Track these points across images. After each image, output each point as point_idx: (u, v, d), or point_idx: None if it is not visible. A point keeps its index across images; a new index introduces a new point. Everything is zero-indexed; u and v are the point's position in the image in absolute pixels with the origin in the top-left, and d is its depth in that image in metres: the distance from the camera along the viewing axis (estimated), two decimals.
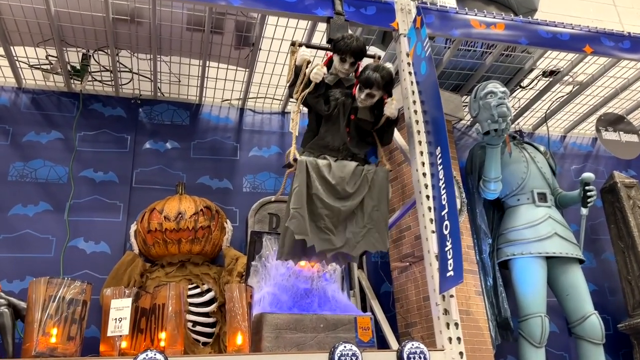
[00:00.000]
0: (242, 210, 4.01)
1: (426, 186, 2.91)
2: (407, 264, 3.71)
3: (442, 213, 2.61)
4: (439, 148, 2.73)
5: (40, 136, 3.91)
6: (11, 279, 3.40)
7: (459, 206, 3.75)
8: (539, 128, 5.08)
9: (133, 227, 3.56)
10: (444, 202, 2.60)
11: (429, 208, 2.87)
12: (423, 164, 2.96)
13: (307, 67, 2.98)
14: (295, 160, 2.89)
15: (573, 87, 4.52)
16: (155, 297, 2.62)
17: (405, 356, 2.53)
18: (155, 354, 2.24)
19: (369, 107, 3.02)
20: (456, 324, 2.63)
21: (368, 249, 2.90)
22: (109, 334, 2.46)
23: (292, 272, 3.23)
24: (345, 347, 2.51)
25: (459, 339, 2.61)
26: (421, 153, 2.97)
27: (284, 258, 2.89)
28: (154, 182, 3.98)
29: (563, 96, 4.68)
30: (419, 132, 3.02)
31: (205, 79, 4.13)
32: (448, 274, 2.48)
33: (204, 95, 4.34)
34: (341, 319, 3.01)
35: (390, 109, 2.99)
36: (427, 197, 2.89)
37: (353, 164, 2.95)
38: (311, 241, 2.74)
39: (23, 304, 2.50)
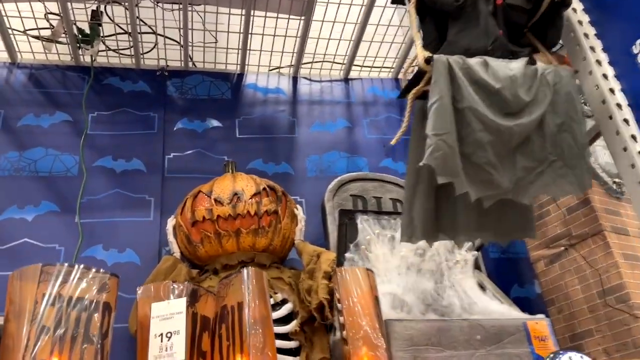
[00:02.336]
0: (310, 200, 3.00)
1: (612, 91, 1.90)
2: (562, 248, 2.62)
3: None
4: None
5: (40, 119, 2.97)
6: (3, 307, 2.37)
7: None
8: None
9: (170, 223, 2.53)
10: None
11: (625, 121, 1.84)
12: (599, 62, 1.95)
13: None
14: (428, 61, 1.84)
15: None
16: (223, 296, 1.58)
17: None
18: None
19: None
20: None
21: (550, 193, 1.84)
22: None
23: (410, 264, 2.18)
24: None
25: None
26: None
27: (415, 238, 1.81)
28: (192, 169, 3.00)
29: None
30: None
31: (250, 35, 3.19)
32: None
33: (246, 62, 3.40)
34: (504, 326, 1.94)
35: None
36: (619, 105, 1.87)
37: (520, 60, 1.90)
38: (463, 186, 1.69)
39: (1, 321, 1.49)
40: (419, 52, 1.87)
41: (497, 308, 2.07)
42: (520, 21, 2.01)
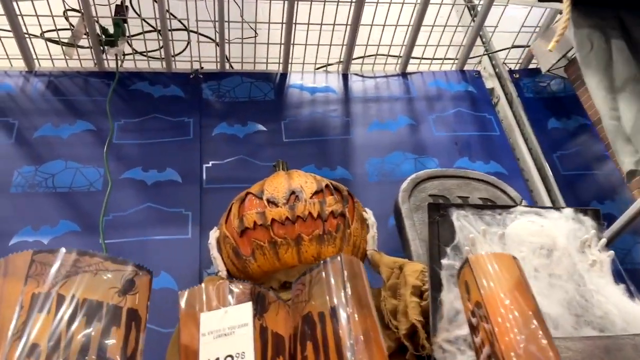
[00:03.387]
0: (374, 208, 2.44)
1: None
2: None
3: None
4: None
5: (59, 129, 2.58)
6: None
7: None
8: None
9: (214, 235, 2.00)
10: None
11: None
12: None
13: None
14: None
15: None
16: (304, 301, 1.06)
17: None
18: None
19: None
20: None
21: None
22: None
23: (538, 266, 1.62)
24: None
25: None
26: None
27: None
28: (234, 178, 2.53)
29: None
30: None
31: (293, 25, 2.78)
32: None
33: (290, 60, 2.98)
34: None
35: None
36: None
37: None
38: None
39: None
40: None
41: None
42: None
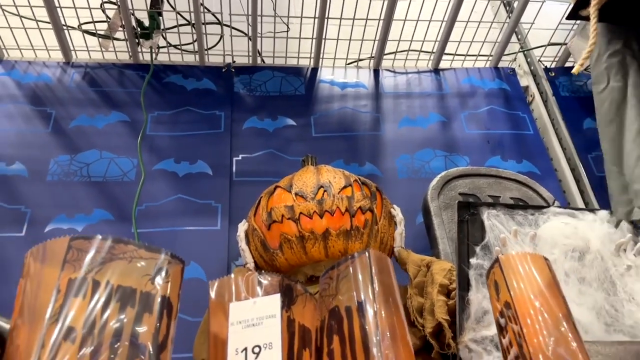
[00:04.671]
0: (403, 205, 2.41)
1: None
2: None
3: None
4: None
5: (95, 119, 2.64)
6: None
7: None
8: None
9: (242, 227, 2.03)
10: None
11: None
12: None
13: None
14: None
15: None
16: (332, 295, 1.06)
17: None
18: None
19: None
20: None
21: None
22: None
23: (569, 270, 1.59)
24: None
25: None
26: None
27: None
28: (264, 172, 2.55)
29: None
30: None
31: (326, 19, 2.78)
32: None
33: (321, 55, 2.99)
34: None
35: None
36: None
37: None
38: None
39: (4, 325, 1.03)
40: None
41: None
42: None
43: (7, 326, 1.06)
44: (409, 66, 3.10)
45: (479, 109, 2.91)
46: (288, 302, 1.04)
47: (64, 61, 2.85)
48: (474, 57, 3.09)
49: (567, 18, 1.72)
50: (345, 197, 1.91)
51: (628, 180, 1.28)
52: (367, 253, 1.03)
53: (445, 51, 3.03)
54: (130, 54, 2.87)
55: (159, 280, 0.91)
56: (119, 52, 2.87)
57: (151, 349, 0.84)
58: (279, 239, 1.88)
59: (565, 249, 1.64)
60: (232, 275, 1.05)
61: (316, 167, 2.11)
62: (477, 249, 1.74)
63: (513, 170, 2.65)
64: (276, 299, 0.98)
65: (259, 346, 0.94)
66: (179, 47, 2.90)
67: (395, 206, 2.12)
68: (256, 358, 0.93)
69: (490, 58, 3.11)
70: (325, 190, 1.93)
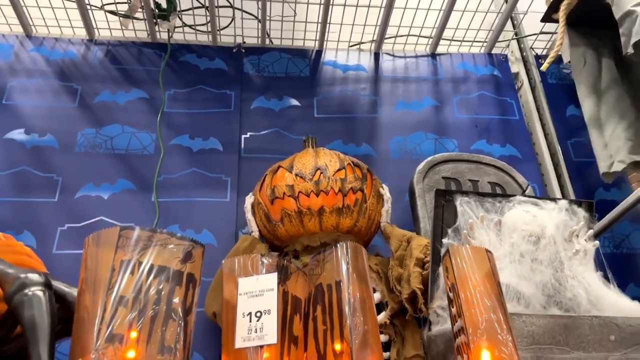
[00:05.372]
0: (394, 184, 2.70)
1: None
2: None
3: None
4: None
5: (117, 96, 2.89)
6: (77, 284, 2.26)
7: None
8: None
9: (249, 201, 2.35)
10: None
11: None
12: None
13: None
14: None
15: None
16: (317, 274, 1.36)
17: None
18: None
19: None
20: None
21: None
22: (237, 344, 1.22)
23: (524, 252, 1.88)
24: None
25: None
26: None
27: (620, 162, 1.51)
28: (269, 149, 2.82)
29: None
30: None
31: (330, 6, 2.98)
32: None
33: (325, 37, 3.20)
34: None
35: None
36: None
37: None
38: None
39: (73, 291, 1.34)
40: None
41: (629, 305, 1.74)
42: None
43: (65, 288, 1.37)
44: (408, 50, 3.30)
45: (470, 94, 3.13)
46: (283, 278, 1.34)
47: (88, 38, 3.08)
48: (470, 43, 3.29)
49: (542, 20, 1.92)
50: (339, 179, 2.20)
51: (607, 140, 1.53)
52: (345, 244, 1.31)
53: (443, 37, 3.23)
54: (149, 32, 3.09)
55: (186, 261, 1.21)
56: (138, 30, 3.09)
57: (180, 313, 1.15)
58: (280, 213, 2.20)
59: (523, 234, 1.91)
60: (242, 258, 1.35)
61: (315, 150, 2.39)
62: (449, 230, 2.03)
63: (497, 154, 2.93)
64: (274, 276, 1.28)
65: (260, 312, 1.25)
66: (194, 27, 3.12)
67: (384, 185, 2.41)
68: (258, 320, 1.24)
69: (485, 44, 3.30)
70: (321, 173, 2.22)
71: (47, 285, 1.22)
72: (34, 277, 1.22)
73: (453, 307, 1.38)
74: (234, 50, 3.14)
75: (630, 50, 1.32)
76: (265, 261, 1.32)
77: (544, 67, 1.81)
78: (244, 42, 3.18)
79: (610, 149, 1.49)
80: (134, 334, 1.08)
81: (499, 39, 3.27)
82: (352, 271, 1.28)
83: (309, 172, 2.22)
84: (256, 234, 2.28)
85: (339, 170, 2.24)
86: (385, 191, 2.38)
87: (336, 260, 1.31)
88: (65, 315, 1.31)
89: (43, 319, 1.15)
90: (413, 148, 2.93)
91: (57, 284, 1.34)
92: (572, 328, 1.56)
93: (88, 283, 1.15)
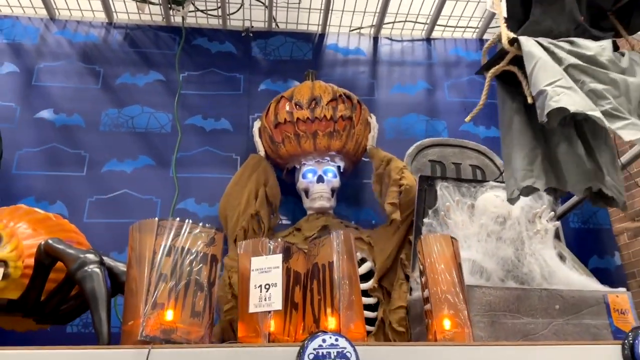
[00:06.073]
0: None
1: None
2: None
3: None
4: None
5: (136, 78, 3.16)
6: (107, 249, 2.60)
7: None
8: None
9: (256, 126, 2.83)
10: None
11: None
12: None
13: None
14: (512, 42, 1.87)
15: None
16: (315, 255, 1.70)
17: None
18: (336, 339, 1.31)
19: None
20: None
21: None
22: (251, 309, 1.56)
23: (490, 231, 2.20)
24: None
25: None
26: None
27: (531, 184, 1.80)
28: None
29: None
30: None
31: None
32: None
33: (328, 22, 3.42)
34: (584, 297, 1.95)
35: None
36: None
37: (607, 40, 1.89)
38: (604, 121, 1.65)
39: (123, 267, 1.67)
40: (503, 32, 1.88)
41: (577, 279, 2.07)
42: (605, 5, 1.95)
43: (111, 262, 1.70)
44: (405, 34, 3.53)
45: (461, 78, 3.39)
46: (286, 257, 1.66)
47: (107, 22, 3.32)
48: (463, 29, 3.51)
49: (476, 73, 2.23)
50: (331, 107, 2.66)
51: (512, 168, 1.85)
52: (338, 233, 1.63)
53: (438, 23, 3.45)
54: (164, 16, 3.32)
55: (210, 245, 1.53)
56: (154, 15, 3.32)
57: (206, 286, 1.48)
58: (282, 135, 2.67)
59: (492, 216, 2.23)
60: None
61: (313, 83, 2.82)
62: (430, 211, 2.35)
63: (482, 135, 3.21)
64: (279, 257, 1.60)
65: (268, 284, 1.58)
66: (205, 11, 3.34)
67: (372, 115, 2.86)
68: (267, 291, 1.57)
69: (477, 30, 3.52)
70: (316, 102, 2.67)
71: (101, 263, 1.56)
72: (91, 256, 1.55)
73: (423, 278, 1.71)
74: (243, 34, 3.37)
75: (544, 119, 1.64)
76: (272, 244, 1.64)
77: (467, 119, 2.12)
78: (252, 27, 3.40)
79: (513, 179, 1.83)
80: (172, 302, 1.42)
81: (490, 26, 3.48)
82: (341, 254, 1.60)
83: (306, 102, 2.68)
84: (262, 153, 2.76)
85: (331, 100, 2.69)
86: (373, 120, 2.84)
87: (330, 245, 1.64)
88: (113, 283, 1.65)
89: (101, 290, 1.49)
90: (406, 129, 3.21)
91: (111, 262, 1.68)
92: (524, 298, 1.89)
93: (135, 261, 1.48)
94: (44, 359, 1.24)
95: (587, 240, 3.00)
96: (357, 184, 3.00)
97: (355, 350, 1.30)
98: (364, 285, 2.40)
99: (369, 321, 2.35)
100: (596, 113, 1.65)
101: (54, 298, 1.72)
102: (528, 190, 1.81)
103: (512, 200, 1.82)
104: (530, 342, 1.75)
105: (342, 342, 1.30)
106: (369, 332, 2.32)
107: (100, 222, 2.75)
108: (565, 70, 1.74)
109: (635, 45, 2.02)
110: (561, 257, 2.24)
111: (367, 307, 2.37)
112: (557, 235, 2.91)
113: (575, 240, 2.97)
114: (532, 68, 1.77)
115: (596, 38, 1.91)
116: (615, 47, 1.93)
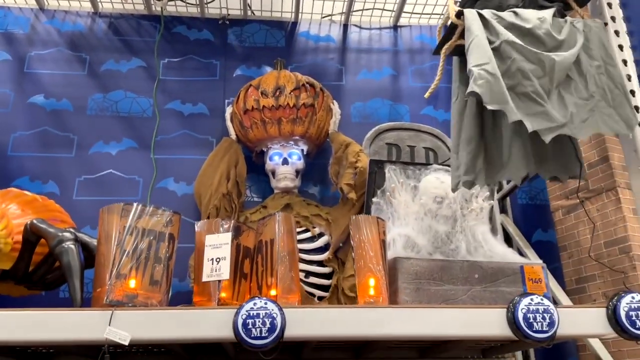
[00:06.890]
0: None
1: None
2: (578, 201, 2.83)
3: None
4: None
5: (120, 64, 3.41)
6: (94, 225, 2.90)
7: None
8: None
9: (228, 111, 3.13)
10: None
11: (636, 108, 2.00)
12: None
13: None
14: (459, 15, 1.99)
15: None
16: (260, 233, 1.99)
17: (623, 313, 1.73)
18: (265, 303, 1.61)
19: None
20: None
21: (599, 130, 1.91)
22: (204, 279, 1.86)
23: (428, 210, 2.48)
24: (532, 300, 1.75)
25: None
26: None
27: (473, 180, 1.95)
28: None
29: None
30: None
31: None
32: None
33: (300, 10, 3.63)
34: (502, 268, 2.23)
35: None
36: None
37: (548, 10, 2.05)
38: (514, 114, 1.76)
39: (93, 240, 1.97)
40: (451, 7, 2.03)
41: (500, 252, 2.35)
42: None
43: (86, 238, 2.00)
44: (373, 22, 3.73)
45: (424, 64, 3.61)
46: (236, 234, 1.95)
47: (93, 11, 3.54)
48: (428, 16, 3.71)
49: (433, 54, 2.34)
50: (294, 96, 2.93)
51: (458, 162, 2.04)
52: (278, 214, 1.91)
53: (404, 10, 3.65)
54: (145, 5, 3.54)
55: (168, 225, 1.82)
56: (136, 3, 3.54)
57: (164, 260, 1.77)
58: (250, 121, 2.94)
59: (432, 196, 2.50)
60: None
61: (279, 72, 3.08)
62: (379, 191, 2.62)
63: (440, 118, 3.46)
64: (229, 235, 1.89)
65: (219, 258, 1.87)
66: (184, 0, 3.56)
67: (335, 102, 3.12)
68: (217, 264, 1.86)
69: (442, 16, 3.72)
70: (280, 90, 2.94)
71: (76, 240, 1.85)
72: (68, 235, 1.85)
73: (354, 252, 2.00)
74: (220, 22, 3.59)
75: (467, 96, 1.80)
76: (224, 224, 1.93)
77: (426, 96, 2.28)
78: (229, 15, 3.62)
79: (458, 171, 1.99)
80: (133, 273, 1.72)
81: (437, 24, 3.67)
82: (282, 232, 1.89)
83: (271, 90, 2.96)
84: (234, 136, 3.04)
85: (295, 89, 2.97)
86: (335, 106, 3.11)
87: (272, 224, 1.92)
88: (87, 255, 1.95)
89: (75, 263, 1.79)
90: (371, 113, 3.46)
91: (81, 235, 1.97)
92: (447, 269, 2.18)
93: (104, 239, 1.77)
94: (25, 319, 1.55)
95: (533, 216, 3.27)
96: (323, 164, 3.25)
97: (282, 312, 1.60)
98: (321, 256, 2.71)
99: (325, 288, 2.67)
100: (507, 106, 1.80)
101: (41, 269, 2.03)
102: (470, 184, 2.01)
103: (455, 190, 2.04)
104: (443, 305, 2.03)
105: (270, 306, 1.60)
106: (322, 298, 2.64)
107: (88, 199, 3.04)
108: (500, 46, 1.86)
109: (585, 16, 2.14)
110: (493, 233, 2.51)
111: (323, 275, 2.68)
112: (504, 211, 3.22)
113: (522, 215, 3.25)
114: (468, 45, 1.88)
115: (544, 8, 2.05)
116: (562, 16, 2.06)
